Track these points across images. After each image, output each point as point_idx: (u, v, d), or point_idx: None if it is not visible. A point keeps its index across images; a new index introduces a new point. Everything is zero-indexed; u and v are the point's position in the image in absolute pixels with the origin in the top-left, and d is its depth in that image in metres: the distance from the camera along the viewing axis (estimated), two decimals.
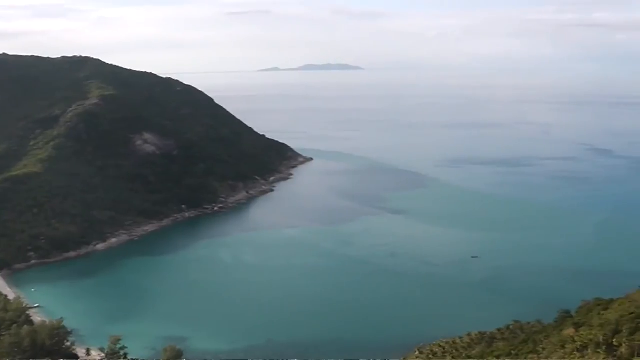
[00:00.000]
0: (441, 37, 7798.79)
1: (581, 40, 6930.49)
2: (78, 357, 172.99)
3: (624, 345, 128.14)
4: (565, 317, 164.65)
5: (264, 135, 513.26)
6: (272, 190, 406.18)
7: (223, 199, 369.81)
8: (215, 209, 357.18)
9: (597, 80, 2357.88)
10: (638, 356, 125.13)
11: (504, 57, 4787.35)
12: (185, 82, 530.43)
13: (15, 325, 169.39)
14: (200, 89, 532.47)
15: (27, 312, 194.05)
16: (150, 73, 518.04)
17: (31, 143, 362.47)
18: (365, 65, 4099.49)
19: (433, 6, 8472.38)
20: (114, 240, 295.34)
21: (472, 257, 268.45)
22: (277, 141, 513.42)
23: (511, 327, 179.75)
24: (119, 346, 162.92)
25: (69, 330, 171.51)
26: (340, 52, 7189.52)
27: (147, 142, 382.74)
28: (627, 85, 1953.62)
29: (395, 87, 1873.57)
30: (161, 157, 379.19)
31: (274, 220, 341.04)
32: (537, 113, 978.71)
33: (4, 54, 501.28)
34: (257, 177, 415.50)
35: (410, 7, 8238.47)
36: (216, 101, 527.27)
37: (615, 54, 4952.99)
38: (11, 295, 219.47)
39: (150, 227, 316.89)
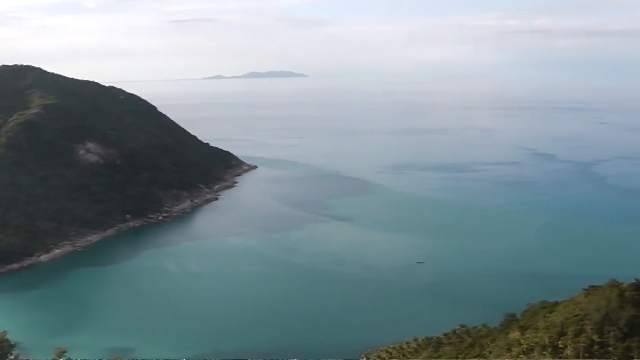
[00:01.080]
0: (385, 44, 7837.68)
1: (523, 47, 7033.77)
2: None
3: (569, 347, 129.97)
4: (511, 320, 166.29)
5: (208, 144, 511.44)
6: (217, 199, 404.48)
7: (168, 208, 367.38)
8: (160, 218, 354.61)
9: (539, 85, 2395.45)
10: (583, 357, 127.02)
11: (448, 63, 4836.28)
12: (128, 91, 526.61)
13: None
14: (144, 98, 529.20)
15: None
16: (93, 82, 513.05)
17: None
18: (309, 73, 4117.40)
19: (377, 13, 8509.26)
20: (57, 251, 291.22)
21: (418, 262, 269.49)
22: (221, 149, 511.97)
23: (458, 331, 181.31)
24: (64, 359, 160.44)
25: (12, 343, 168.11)
26: (284, 60, 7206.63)
27: (90, 152, 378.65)
28: (568, 91, 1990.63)
29: (339, 94, 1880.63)
30: (105, 166, 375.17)
31: (219, 229, 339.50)
32: (480, 119, 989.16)
33: None
34: (201, 186, 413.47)
35: (354, 15, 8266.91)
36: (160, 110, 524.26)
37: (557, 60, 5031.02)
38: None
39: (94, 238, 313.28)
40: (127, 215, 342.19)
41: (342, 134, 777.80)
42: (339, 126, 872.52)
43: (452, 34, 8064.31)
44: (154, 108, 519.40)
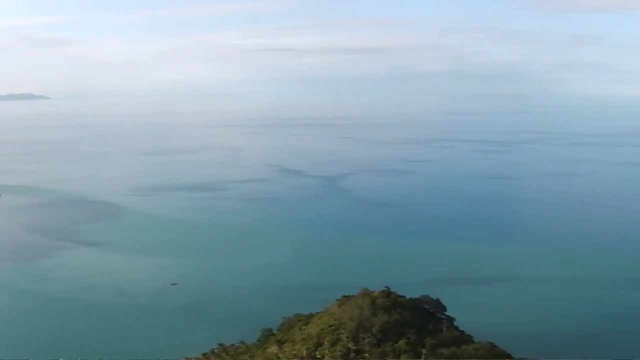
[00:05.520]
0: (130, 64, 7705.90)
1: (269, 64, 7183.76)
2: None
3: (326, 356, 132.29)
4: (268, 335, 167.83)
5: None
6: None
7: None
8: None
9: (285, 102, 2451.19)
10: None
11: (195, 82, 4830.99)
12: None
13: None
14: None
15: None
16: None
17: None
18: (51, 94, 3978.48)
19: (122, 33, 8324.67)
20: None
21: (172, 283, 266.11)
22: None
23: (216, 350, 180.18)
24: None
25: None
26: (25, 81, 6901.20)
27: None
28: (313, 107, 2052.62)
29: (83, 115, 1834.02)
30: None
31: None
32: (227, 137, 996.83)
33: None
34: None
35: (99, 34, 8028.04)
36: None
37: (302, 77, 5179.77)
38: None
39: None
40: None
41: (87, 157, 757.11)
42: (84, 149, 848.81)
43: (200, 52, 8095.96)
44: None
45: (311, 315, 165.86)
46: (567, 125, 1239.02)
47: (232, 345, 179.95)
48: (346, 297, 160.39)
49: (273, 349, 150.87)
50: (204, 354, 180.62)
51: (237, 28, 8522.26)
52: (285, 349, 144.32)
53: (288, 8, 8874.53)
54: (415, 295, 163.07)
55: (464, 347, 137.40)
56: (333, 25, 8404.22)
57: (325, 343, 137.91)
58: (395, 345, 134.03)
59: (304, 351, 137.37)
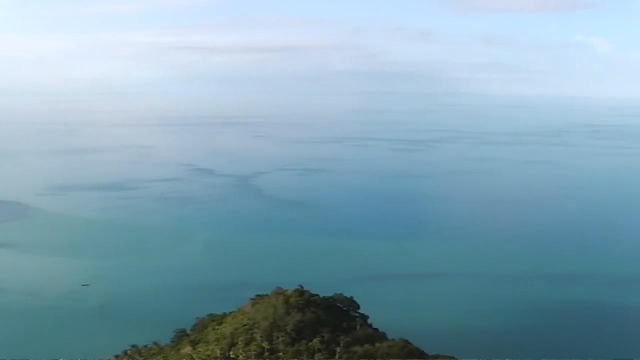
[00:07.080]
0: (40, 62, 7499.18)
1: (183, 63, 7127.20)
2: None
3: (240, 356, 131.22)
4: (181, 336, 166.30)
5: None
6: None
7: None
8: None
9: (199, 101, 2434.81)
10: None
11: (107, 80, 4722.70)
12: None
13: None
14: None
15: None
16: None
17: None
18: None
19: (33, 29, 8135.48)
20: None
21: (83, 284, 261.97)
22: None
23: (129, 351, 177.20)
24: None
25: None
26: None
27: None
28: (225, 106, 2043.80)
29: None
30: None
31: None
32: (139, 136, 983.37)
33: None
34: None
35: (9, 30, 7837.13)
36: None
37: (215, 76, 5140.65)
38: None
39: None
40: None
41: None
42: None
43: (112, 50, 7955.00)
44: None
45: (225, 315, 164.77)
46: (479, 125, 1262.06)
47: (145, 346, 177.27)
48: (260, 297, 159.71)
49: (186, 349, 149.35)
50: (116, 356, 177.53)
51: (150, 26, 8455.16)
52: (199, 350, 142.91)
53: (200, 6, 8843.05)
54: (329, 294, 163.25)
55: (377, 344, 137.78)
56: (245, 23, 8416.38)
57: (239, 343, 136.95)
58: (310, 343, 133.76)
59: (218, 351, 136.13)
